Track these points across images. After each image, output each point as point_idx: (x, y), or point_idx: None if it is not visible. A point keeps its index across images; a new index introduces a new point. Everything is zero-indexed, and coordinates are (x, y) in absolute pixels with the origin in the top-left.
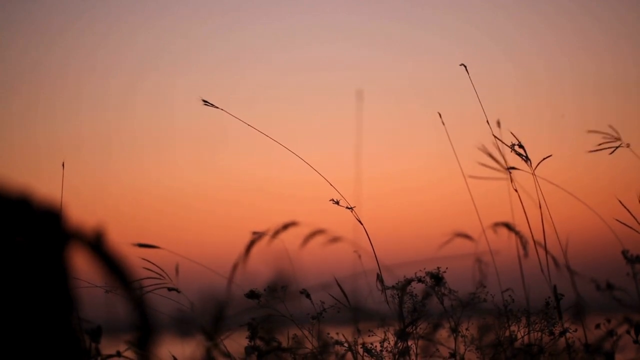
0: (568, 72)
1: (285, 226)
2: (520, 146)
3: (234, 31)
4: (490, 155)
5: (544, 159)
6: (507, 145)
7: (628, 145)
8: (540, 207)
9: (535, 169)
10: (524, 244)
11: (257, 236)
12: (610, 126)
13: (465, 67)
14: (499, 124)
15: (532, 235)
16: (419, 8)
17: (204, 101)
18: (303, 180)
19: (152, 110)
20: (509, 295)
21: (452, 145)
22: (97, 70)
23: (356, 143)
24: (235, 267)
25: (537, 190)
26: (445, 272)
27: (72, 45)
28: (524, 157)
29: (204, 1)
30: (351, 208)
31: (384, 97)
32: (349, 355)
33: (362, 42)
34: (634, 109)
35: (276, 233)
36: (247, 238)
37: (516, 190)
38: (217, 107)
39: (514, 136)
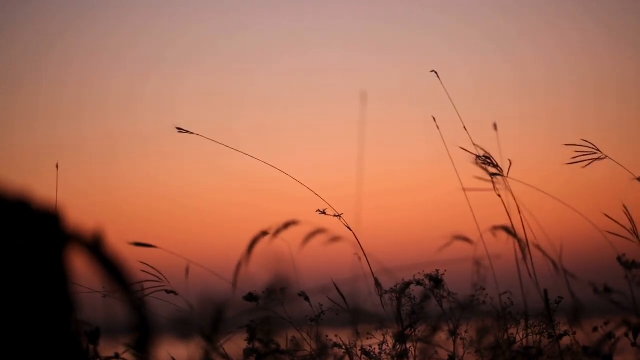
0: (566, 76)
1: (287, 225)
2: (486, 157)
3: (238, 33)
4: (483, 167)
5: (509, 167)
6: (476, 157)
7: (605, 157)
8: (519, 212)
9: (507, 175)
10: (522, 247)
11: (259, 235)
12: (585, 140)
13: (436, 73)
14: (495, 127)
15: (527, 239)
16: (418, 11)
17: (179, 129)
18: (303, 180)
19: (152, 110)
20: (508, 298)
21: (447, 149)
22: (98, 71)
23: (359, 144)
24: (238, 266)
25: (512, 195)
26: (444, 274)
27: (73, 46)
28: (493, 166)
29: (207, 3)
30: (339, 215)
31: (382, 99)
32: (348, 357)
33: (361, 46)
34: (633, 112)
35: (277, 232)
36: (246, 239)
37: (499, 196)
38: (193, 133)
39: (479, 147)
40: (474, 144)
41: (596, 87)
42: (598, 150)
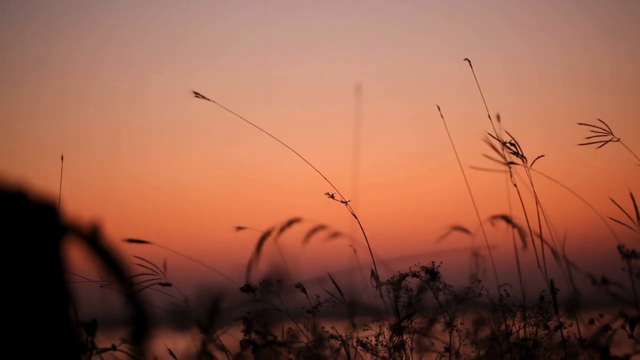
0: (561, 68)
1: (290, 223)
2: (515, 144)
3: (243, 31)
4: (493, 147)
5: (537, 157)
6: (502, 143)
7: (618, 140)
8: (537, 202)
9: (531, 166)
10: (522, 236)
11: (266, 234)
12: (600, 120)
13: (469, 61)
14: (498, 118)
15: (530, 228)
16: (413, 9)
17: (195, 93)
18: (302, 172)
19: (160, 104)
20: (504, 290)
21: (450, 138)
22: (106, 64)
23: (355, 136)
24: (249, 266)
25: (532, 186)
26: (439, 266)
27: (81, 38)
28: (519, 155)
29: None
30: (346, 202)
31: (381, 92)
32: (344, 349)
33: (361, 42)
34: (628, 105)
35: (281, 230)
36: (249, 233)
37: (515, 185)
38: (209, 100)
39: (509, 134)
40: (506, 132)
41: (589, 76)
42: (611, 132)
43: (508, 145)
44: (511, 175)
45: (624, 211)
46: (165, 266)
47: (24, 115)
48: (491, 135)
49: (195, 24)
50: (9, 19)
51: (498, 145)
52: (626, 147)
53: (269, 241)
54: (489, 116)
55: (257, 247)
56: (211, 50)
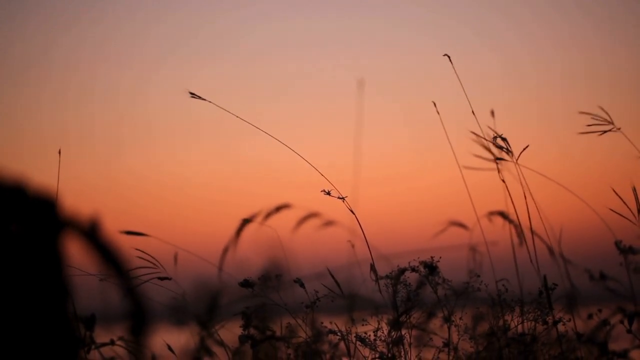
0: (557, 63)
1: (278, 208)
2: (502, 138)
3: (247, 28)
4: (484, 146)
5: (524, 149)
6: (487, 139)
7: (619, 129)
8: (525, 197)
9: (517, 159)
10: (519, 232)
11: (248, 218)
12: (601, 107)
13: (448, 57)
14: (492, 114)
15: (520, 224)
16: (411, 6)
17: (191, 93)
18: (303, 168)
19: (162, 100)
20: (503, 285)
21: (446, 134)
22: (109, 60)
23: (356, 131)
24: (225, 250)
25: (521, 180)
26: (438, 261)
27: (84, 35)
28: (505, 149)
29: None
30: (343, 198)
31: (379, 89)
32: (343, 344)
33: (360, 39)
34: (624, 99)
35: (269, 215)
36: (252, 228)
37: (503, 181)
38: (204, 99)
39: (492, 130)
40: (490, 127)
41: (586, 71)
42: (611, 122)
43: (497, 140)
44: (499, 172)
45: (625, 203)
46: (175, 259)
47: (25, 111)
48: (474, 133)
49: (196, 21)
50: (11, 15)
51: (486, 142)
52: (627, 138)
53: (256, 228)
54: (472, 112)
55: (237, 232)
56: (212, 47)
